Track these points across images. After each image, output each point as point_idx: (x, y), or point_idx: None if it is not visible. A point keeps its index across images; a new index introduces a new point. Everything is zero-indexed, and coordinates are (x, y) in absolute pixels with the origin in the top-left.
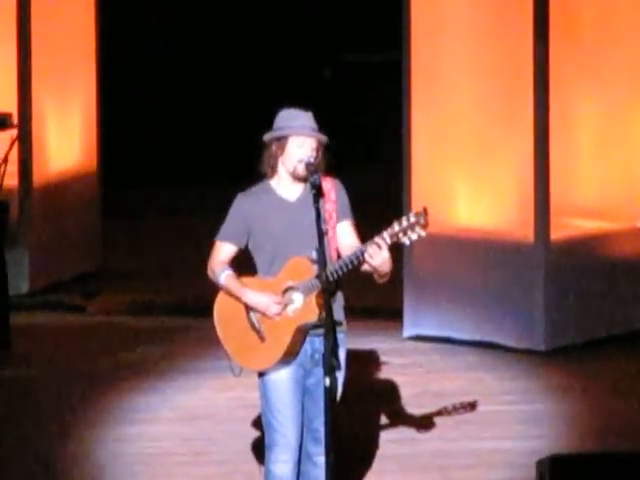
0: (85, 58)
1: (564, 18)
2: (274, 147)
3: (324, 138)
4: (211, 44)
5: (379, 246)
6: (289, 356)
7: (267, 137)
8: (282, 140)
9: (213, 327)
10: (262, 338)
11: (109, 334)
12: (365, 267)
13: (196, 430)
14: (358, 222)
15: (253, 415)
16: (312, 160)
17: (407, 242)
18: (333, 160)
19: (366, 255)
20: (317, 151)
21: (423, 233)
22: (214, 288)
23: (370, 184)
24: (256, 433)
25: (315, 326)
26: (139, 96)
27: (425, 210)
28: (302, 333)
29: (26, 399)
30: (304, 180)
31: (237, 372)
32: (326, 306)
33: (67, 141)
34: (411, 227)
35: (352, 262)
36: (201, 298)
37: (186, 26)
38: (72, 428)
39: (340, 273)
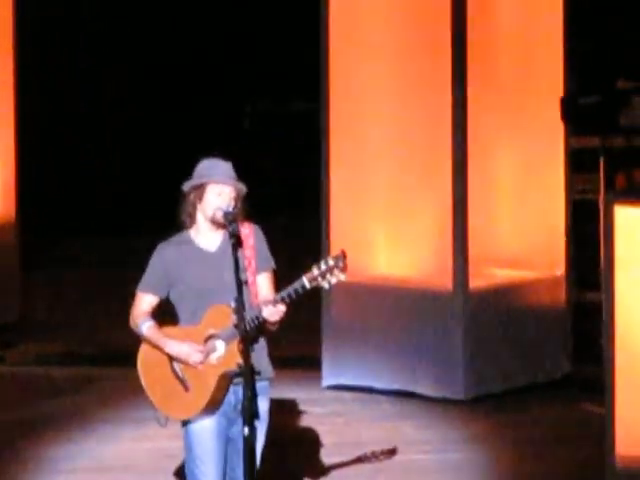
0: (3, 104)
1: (482, 68)
2: (192, 195)
3: (242, 187)
4: (133, 94)
5: (274, 305)
6: (213, 404)
7: (186, 186)
8: (200, 188)
9: (133, 377)
10: (186, 387)
11: (27, 384)
12: (266, 317)
13: None
14: (277, 267)
15: (173, 466)
16: (230, 209)
17: (327, 286)
18: (251, 208)
19: (265, 314)
20: (236, 200)
21: (342, 276)
22: (135, 338)
23: (289, 231)
24: None
25: (238, 374)
26: (60, 144)
27: (343, 253)
28: (226, 381)
29: None
30: (223, 227)
31: (163, 422)
32: (244, 355)
33: None
34: (330, 270)
35: (257, 317)
36: (121, 348)
37: (109, 76)
38: None
39: (255, 324)
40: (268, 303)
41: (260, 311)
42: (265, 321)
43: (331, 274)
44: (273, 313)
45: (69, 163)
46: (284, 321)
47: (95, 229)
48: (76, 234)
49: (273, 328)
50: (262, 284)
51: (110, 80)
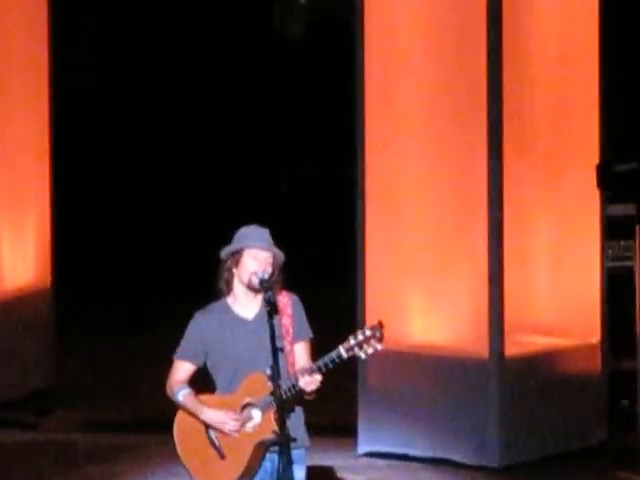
0: (38, 174)
1: (518, 135)
2: (229, 262)
3: (280, 253)
4: (172, 162)
5: (310, 375)
6: (249, 473)
7: (223, 252)
8: (237, 254)
9: (169, 444)
10: (222, 455)
11: (62, 452)
12: (301, 386)
13: None
14: (315, 337)
15: None
16: (266, 276)
17: (363, 356)
18: (289, 275)
19: (301, 384)
20: (273, 267)
21: (379, 347)
22: (170, 405)
23: (325, 299)
24: None
25: (275, 443)
26: (94, 216)
27: (381, 323)
28: (261, 449)
29: None
30: (258, 292)
31: None
32: (280, 422)
33: (21, 257)
34: (367, 341)
35: (294, 386)
36: (156, 415)
37: (139, 141)
38: None
39: (289, 394)
40: (305, 372)
41: (297, 380)
42: (302, 391)
43: (368, 344)
44: (309, 383)
45: (105, 229)
46: (321, 390)
47: (129, 296)
48: (109, 302)
49: (310, 397)
50: (299, 353)
51: (150, 152)
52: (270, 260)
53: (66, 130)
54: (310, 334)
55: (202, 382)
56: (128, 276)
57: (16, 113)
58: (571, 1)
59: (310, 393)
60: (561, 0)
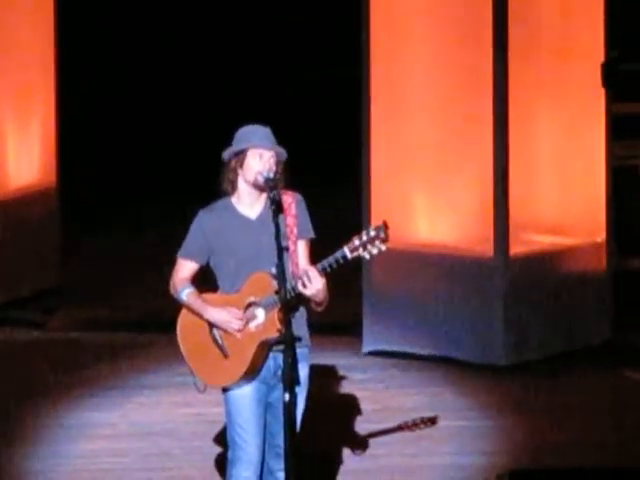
0: (44, 75)
1: (523, 36)
2: (233, 162)
3: (282, 152)
4: (174, 66)
5: (309, 277)
6: (252, 372)
7: (226, 154)
8: (241, 154)
9: (172, 343)
10: (225, 354)
11: (69, 350)
12: (303, 291)
13: (155, 446)
14: (317, 237)
15: (212, 431)
16: (271, 175)
17: (367, 256)
18: (293, 175)
19: (299, 285)
20: (277, 166)
21: (383, 247)
22: (175, 304)
23: (330, 199)
24: (216, 449)
25: (278, 342)
26: (100, 112)
27: (385, 224)
28: (265, 349)
29: None
30: (264, 192)
31: (201, 388)
32: (286, 322)
33: (26, 157)
34: (371, 241)
35: (296, 286)
36: (161, 314)
37: (147, 46)
38: (30, 445)
39: (293, 293)
40: (306, 275)
41: (298, 283)
42: (310, 300)
43: (372, 245)
44: (309, 284)
45: (111, 129)
46: (327, 303)
47: (137, 196)
48: (117, 201)
49: (319, 309)
50: (301, 253)
51: (150, 49)
52: (274, 159)
53: (74, 27)
54: (312, 234)
55: (204, 281)
56: (133, 177)
57: (21, 12)
58: None
59: (319, 303)
60: None
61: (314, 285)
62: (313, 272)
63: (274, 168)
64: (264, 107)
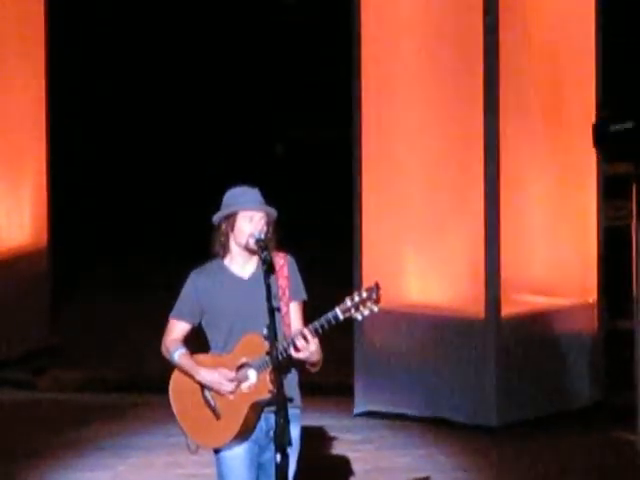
0: (35, 135)
1: (514, 94)
2: (224, 226)
3: (273, 211)
4: (168, 124)
5: (306, 339)
6: (244, 433)
7: (216, 218)
8: (231, 217)
9: (164, 404)
10: (217, 415)
11: (59, 411)
12: (297, 355)
13: None
14: (309, 297)
15: None
16: (262, 236)
17: (359, 317)
18: (283, 236)
19: (291, 350)
20: (267, 226)
21: (375, 308)
22: (167, 365)
23: (322, 260)
24: None
25: (270, 403)
26: (90, 177)
27: (377, 285)
28: (257, 410)
29: None
30: (256, 254)
31: (193, 449)
32: (277, 383)
33: (17, 217)
34: (363, 302)
35: (288, 347)
36: (152, 375)
37: (137, 100)
38: None
39: (285, 354)
40: (299, 337)
41: (291, 345)
42: (304, 362)
43: (364, 306)
44: (304, 347)
45: (102, 189)
46: (322, 362)
47: (126, 256)
48: (107, 259)
49: (314, 370)
50: (293, 314)
51: (142, 107)
52: (264, 219)
53: (63, 91)
54: (304, 296)
55: (196, 341)
56: (125, 236)
57: (13, 75)
58: None
59: (314, 364)
60: None
61: (309, 347)
62: (308, 334)
63: (265, 229)
64: (255, 166)
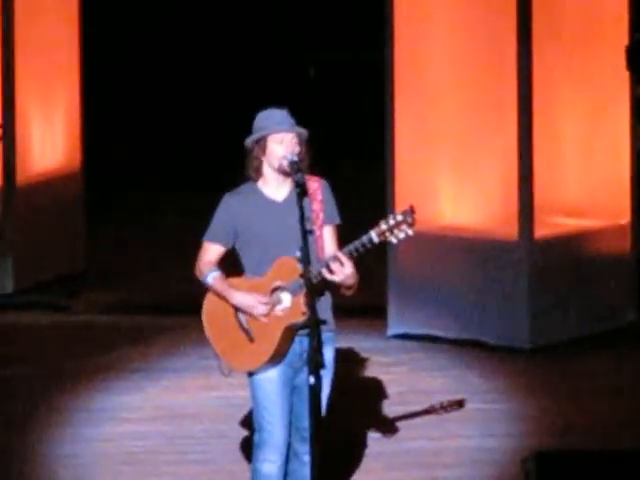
0: (68, 59)
1: (547, 20)
2: (256, 149)
3: (304, 132)
4: (198, 49)
5: (341, 262)
6: (278, 356)
7: (248, 142)
8: (262, 141)
9: (198, 326)
10: (251, 339)
11: (93, 333)
12: (332, 278)
13: (180, 429)
14: (342, 220)
15: (237, 415)
16: (295, 158)
17: (394, 241)
18: (316, 158)
19: (325, 272)
20: (299, 146)
21: (410, 232)
22: (201, 288)
23: (355, 182)
24: (240, 433)
25: (304, 326)
26: (124, 97)
27: (412, 208)
28: (291, 333)
29: (9, 398)
30: (289, 176)
31: (226, 372)
32: (311, 306)
33: (50, 142)
34: (398, 226)
35: (322, 270)
36: (186, 297)
37: (172, 29)
38: (55, 428)
39: (319, 277)
40: (334, 260)
41: (326, 266)
42: (339, 285)
43: (399, 229)
44: (339, 270)
45: (135, 117)
46: (357, 285)
47: (160, 184)
48: (141, 188)
49: (349, 293)
50: (327, 238)
51: (174, 32)
52: (295, 140)
53: (96, 17)
54: (338, 220)
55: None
56: (157, 163)
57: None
58: None
59: (349, 287)
60: None
61: (344, 270)
62: (343, 257)
63: (297, 149)
64: (288, 90)
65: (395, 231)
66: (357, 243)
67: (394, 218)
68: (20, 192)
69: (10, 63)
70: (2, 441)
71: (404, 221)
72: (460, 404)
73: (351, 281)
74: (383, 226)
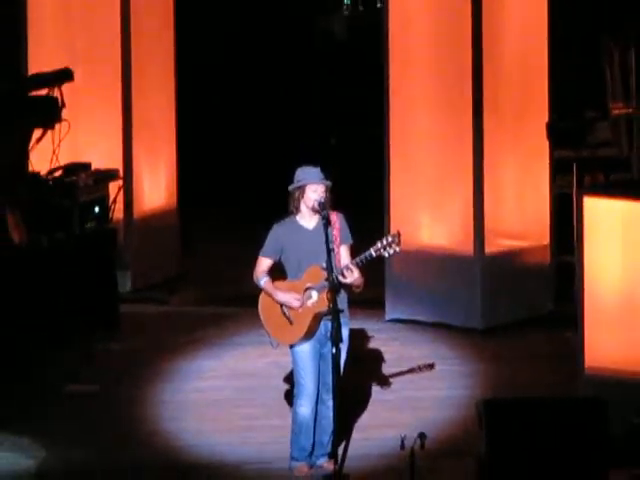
0: (167, 127)
1: (493, 99)
2: (297, 193)
3: (329, 184)
4: (258, 121)
5: (350, 270)
6: (309, 335)
7: (291, 188)
8: (302, 188)
9: (255, 314)
10: (290, 322)
11: (185, 319)
12: (345, 281)
13: (244, 384)
14: (353, 240)
15: (283, 374)
16: (323, 200)
17: (387, 255)
18: (336, 199)
19: (340, 277)
20: (326, 193)
21: (398, 249)
22: (257, 288)
23: (362, 216)
24: (285, 386)
25: (327, 313)
26: (209, 150)
27: (398, 233)
28: (318, 318)
29: (129, 364)
30: (318, 213)
31: (275, 345)
32: (333, 300)
33: (155, 185)
34: (389, 245)
35: (339, 275)
36: (248, 294)
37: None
38: (158, 383)
39: (337, 280)
40: (347, 268)
41: (342, 274)
42: (351, 285)
43: (390, 247)
44: (349, 275)
45: (217, 164)
46: (365, 285)
47: (234, 214)
48: (222, 215)
49: (358, 290)
50: (343, 254)
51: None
52: (323, 189)
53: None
54: (351, 241)
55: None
56: (233, 198)
57: (151, 88)
58: (528, 10)
59: (358, 286)
60: (521, 9)
61: (353, 275)
62: (351, 266)
63: (324, 195)
64: (317, 153)
65: (387, 249)
66: (362, 256)
67: (386, 240)
68: (135, 222)
69: (129, 130)
70: (119, 392)
71: (393, 241)
72: (432, 367)
73: (358, 282)
74: (378, 244)
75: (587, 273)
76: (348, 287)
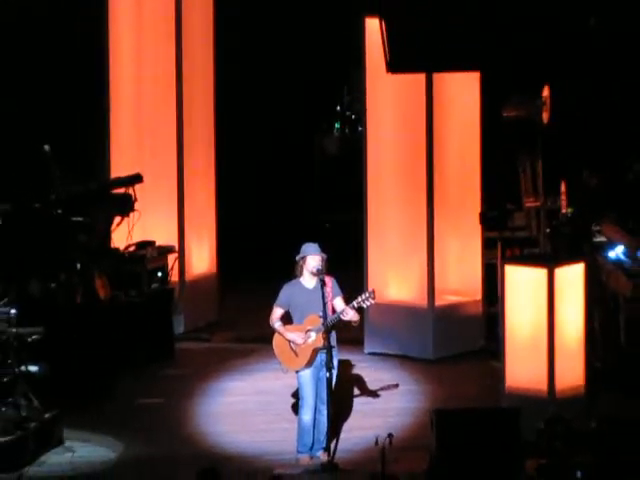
0: (208, 201)
1: (442, 190)
2: (301, 262)
3: (325, 255)
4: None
5: (347, 312)
6: (309, 363)
7: (297, 258)
8: (304, 258)
9: (271, 349)
10: (296, 355)
11: (222, 353)
12: (345, 319)
13: (263, 399)
14: (343, 292)
15: (291, 391)
16: (320, 267)
17: (365, 306)
18: (329, 266)
19: (342, 316)
20: (322, 262)
21: (373, 302)
22: (271, 330)
23: (347, 277)
24: (292, 400)
25: (323, 348)
26: (246, 224)
27: (373, 291)
28: (316, 352)
29: (182, 385)
30: (316, 276)
31: (285, 371)
32: (327, 338)
33: (200, 256)
34: (367, 299)
35: (337, 318)
36: (267, 335)
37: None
38: (200, 397)
39: (331, 324)
40: (343, 312)
41: (340, 316)
42: (349, 321)
43: (367, 300)
44: (347, 314)
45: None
46: (359, 322)
47: (261, 272)
48: (252, 279)
49: (355, 324)
50: (337, 304)
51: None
52: (320, 259)
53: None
54: (341, 294)
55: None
56: (259, 261)
57: (196, 187)
58: (465, 131)
59: (355, 322)
60: (460, 131)
61: (350, 314)
62: (348, 309)
63: (321, 263)
64: (315, 234)
65: (365, 301)
66: (350, 305)
67: (365, 295)
68: (187, 283)
69: (182, 218)
70: (175, 405)
71: (369, 296)
72: (397, 386)
73: (355, 319)
74: (359, 298)
75: (507, 320)
76: (347, 323)
